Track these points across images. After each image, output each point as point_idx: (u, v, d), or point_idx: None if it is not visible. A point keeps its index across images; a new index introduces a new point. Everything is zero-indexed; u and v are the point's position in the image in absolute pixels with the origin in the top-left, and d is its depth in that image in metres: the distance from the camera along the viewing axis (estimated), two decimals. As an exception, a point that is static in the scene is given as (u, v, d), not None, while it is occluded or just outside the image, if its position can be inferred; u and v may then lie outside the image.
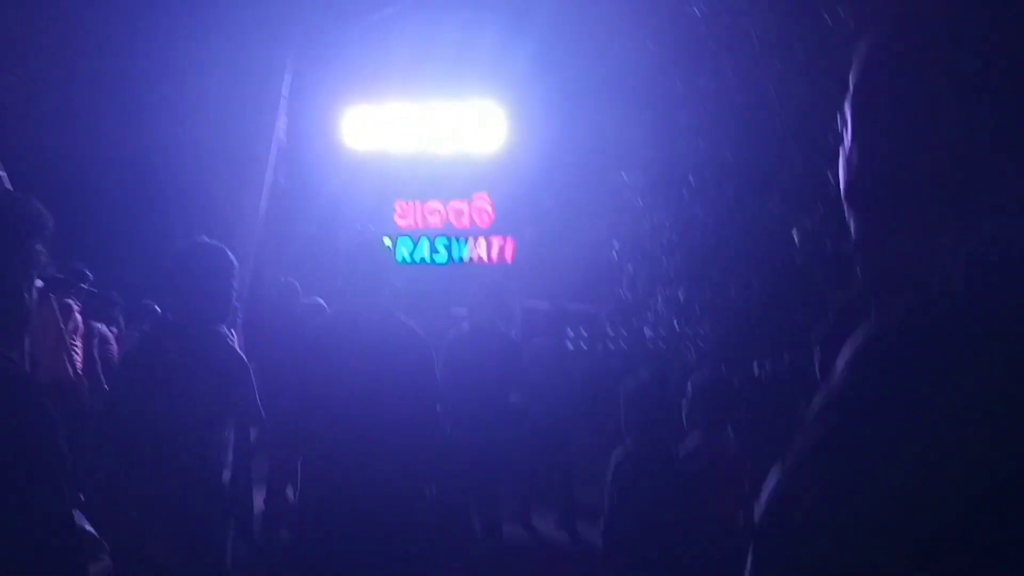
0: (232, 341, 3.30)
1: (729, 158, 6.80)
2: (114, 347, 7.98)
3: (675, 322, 7.95)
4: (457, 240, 12.61)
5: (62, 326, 6.60)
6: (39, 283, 2.14)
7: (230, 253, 3.20)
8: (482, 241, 12.57)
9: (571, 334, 10.36)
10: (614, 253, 8.98)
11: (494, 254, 12.46)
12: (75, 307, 7.00)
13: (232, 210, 10.92)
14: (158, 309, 7.42)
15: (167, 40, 11.56)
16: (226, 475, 3.06)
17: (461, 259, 12.48)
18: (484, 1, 12.33)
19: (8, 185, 8.04)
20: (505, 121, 12.78)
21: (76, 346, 6.92)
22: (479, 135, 12.81)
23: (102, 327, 7.96)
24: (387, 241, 12.24)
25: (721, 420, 3.94)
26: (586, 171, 10.53)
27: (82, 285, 7.27)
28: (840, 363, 1.07)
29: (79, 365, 6.87)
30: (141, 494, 2.94)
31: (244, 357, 3.18)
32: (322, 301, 6.59)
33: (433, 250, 12.52)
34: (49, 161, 10.46)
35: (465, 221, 12.56)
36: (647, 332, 8.58)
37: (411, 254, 12.47)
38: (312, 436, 3.65)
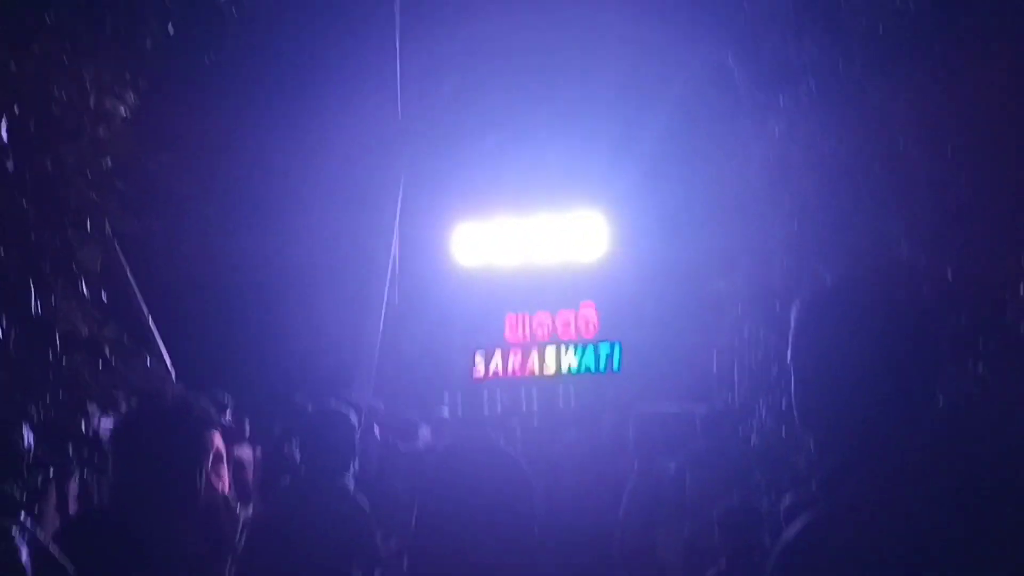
0: (352, 492, 3.80)
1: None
2: (249, 472, 8.48)
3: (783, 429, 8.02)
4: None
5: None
6: None
7: (353, 417, 3.76)
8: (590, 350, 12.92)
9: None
10: (713, 362, 9.20)
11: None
12: (218, 439, 7.61)
13: (353, 331, 11.53)
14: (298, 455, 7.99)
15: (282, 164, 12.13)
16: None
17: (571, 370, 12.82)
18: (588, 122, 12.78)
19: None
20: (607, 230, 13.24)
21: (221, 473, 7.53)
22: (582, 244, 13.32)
23: (242, 451, 8.54)
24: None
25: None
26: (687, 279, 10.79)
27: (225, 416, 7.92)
28: None
29: (226, 490, 7.48)
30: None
31: (363, 506, 3.69)
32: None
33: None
34: (183, 284, 11.14)
35: (572, 332, 12.99)
36: (753, 439, 8.66)
37: (521, 366, 12.89)
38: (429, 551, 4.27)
